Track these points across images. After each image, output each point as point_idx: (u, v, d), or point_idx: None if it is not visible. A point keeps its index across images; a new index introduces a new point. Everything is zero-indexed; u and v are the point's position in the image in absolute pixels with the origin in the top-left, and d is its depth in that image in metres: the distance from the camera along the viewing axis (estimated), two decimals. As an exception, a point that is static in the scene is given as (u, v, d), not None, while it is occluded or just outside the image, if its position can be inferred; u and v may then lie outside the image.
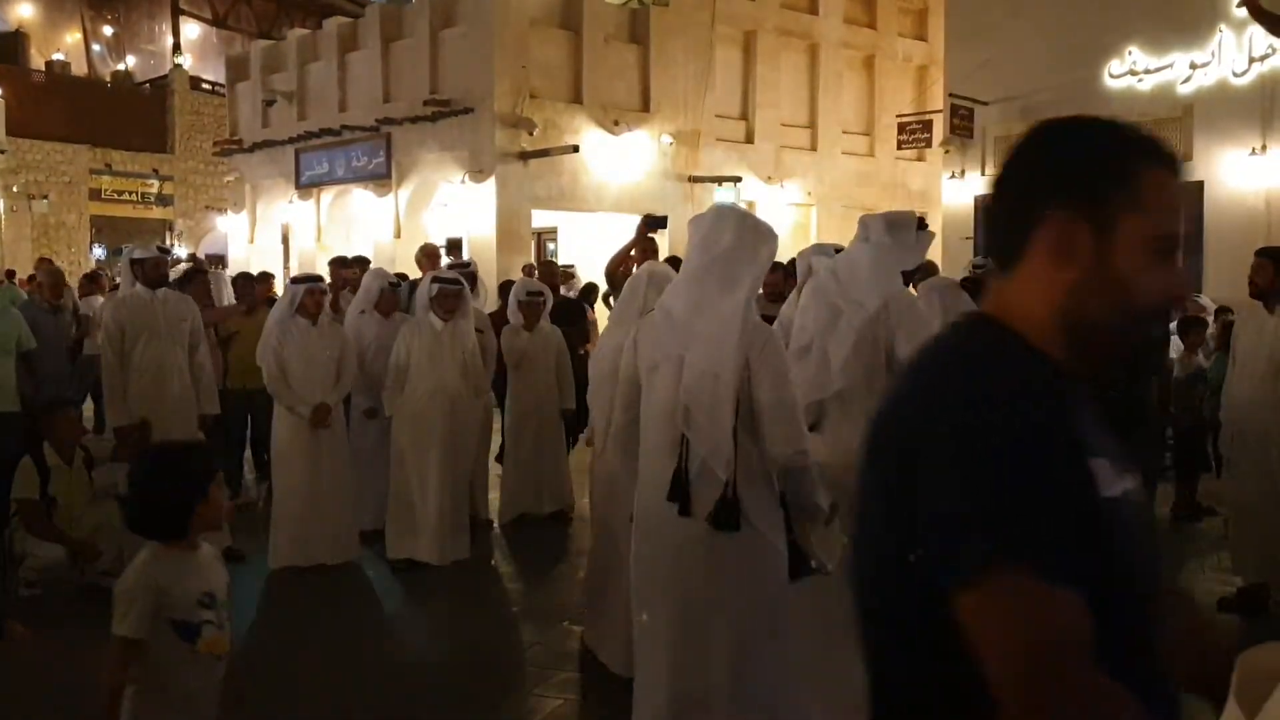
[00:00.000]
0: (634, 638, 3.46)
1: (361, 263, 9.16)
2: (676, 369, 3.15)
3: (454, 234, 15.65)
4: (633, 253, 6.93)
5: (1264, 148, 11.27)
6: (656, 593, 3.27)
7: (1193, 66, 11.68)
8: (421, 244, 9.90)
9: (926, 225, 4.18)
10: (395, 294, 7.30)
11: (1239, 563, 5.72)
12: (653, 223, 6.96)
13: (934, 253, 3.40)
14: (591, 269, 14.30)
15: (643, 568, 3.33)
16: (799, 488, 3.18)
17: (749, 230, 3.20)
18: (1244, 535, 5.69)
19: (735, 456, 3.07)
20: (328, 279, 7.76)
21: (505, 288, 7.83)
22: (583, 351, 8.09)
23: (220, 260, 22.89)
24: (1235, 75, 11.40)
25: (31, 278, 11.92)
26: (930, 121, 15.44)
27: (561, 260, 16.74)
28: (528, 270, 9.13)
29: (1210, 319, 8.80)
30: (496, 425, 7.79)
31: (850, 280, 3.87)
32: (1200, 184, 11.79)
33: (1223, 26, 11.47)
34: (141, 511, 2.82)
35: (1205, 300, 10.35)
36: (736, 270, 3.14)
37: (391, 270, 8.54)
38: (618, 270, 7.10)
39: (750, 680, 3.17)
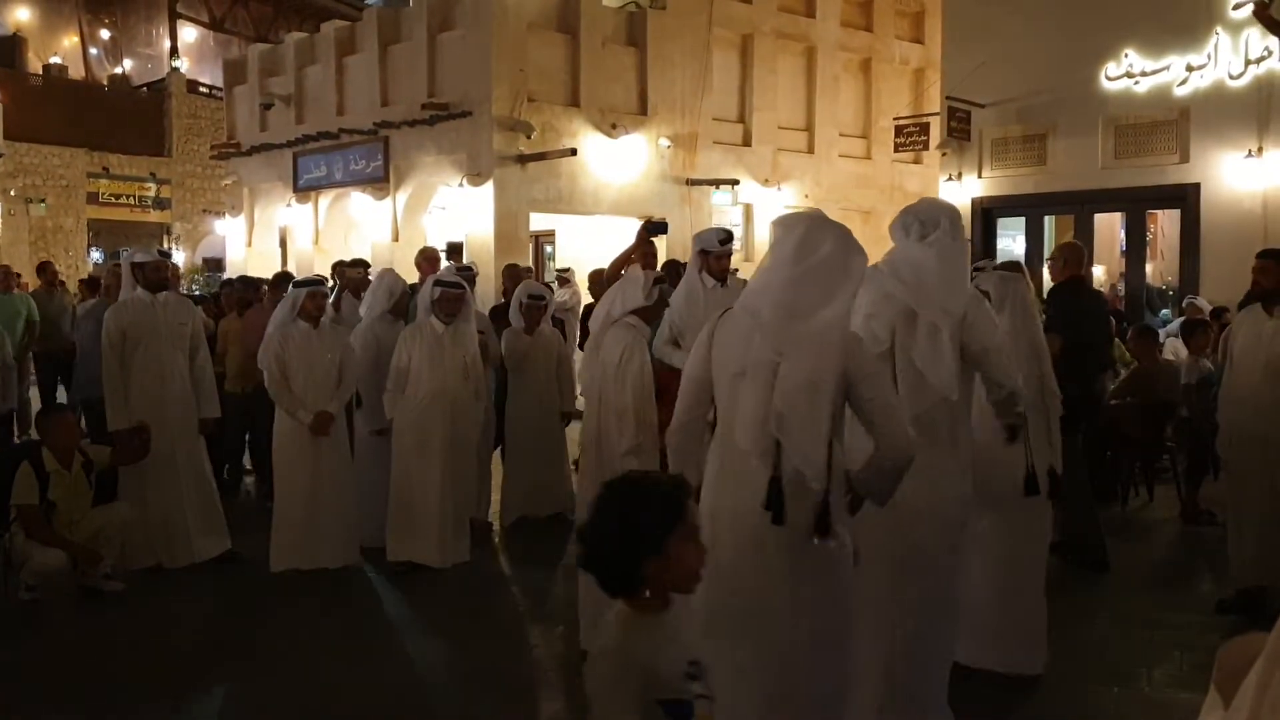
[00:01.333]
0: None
1: (362, 265, 9.15)
2: (769, 375, 3.08)
3: (453, 237, 15.66)
4: (633, 257, 6.97)
5: (1260, 150, 11.29)
6: (734, 604, 3.17)
7: (1189, 69, 11.70)
8: (421, 247, 9.90)
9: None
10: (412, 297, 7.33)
11: (1237, 565, 5.73)
12: (653, 228, 6.99)
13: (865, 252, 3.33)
14: (587, 271, 14.32)
15: (719, 576, 3.18)
16: (888, 483, 3.22)
17: (844, 241, 3.16)
18: (1242, 537, 5.70)
19: (829, 466, 3.06)
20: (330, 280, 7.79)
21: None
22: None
23: (219, 264, 22.91)
24: (1231, 78, 11.42)
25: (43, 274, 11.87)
26: (927, 124, 15.46)
27: (558, 264, 16.78)
28: (508, 274, 9.12)
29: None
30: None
31: (921, 284, 3.72)
32: (1197, 186, 11.83)
33: (1219, 29, 11.49)
34: (599, 561, 2.20)
35: (1202, 302, 10.39)
36: (834, 280, 3.10)
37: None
38: (617, 274, 7.13)
39: (818, 684, 3.20)
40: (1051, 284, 6.83)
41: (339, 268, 9.19)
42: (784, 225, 3.25)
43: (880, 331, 3.70)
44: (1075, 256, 6.71)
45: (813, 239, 3.13)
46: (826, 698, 3.26)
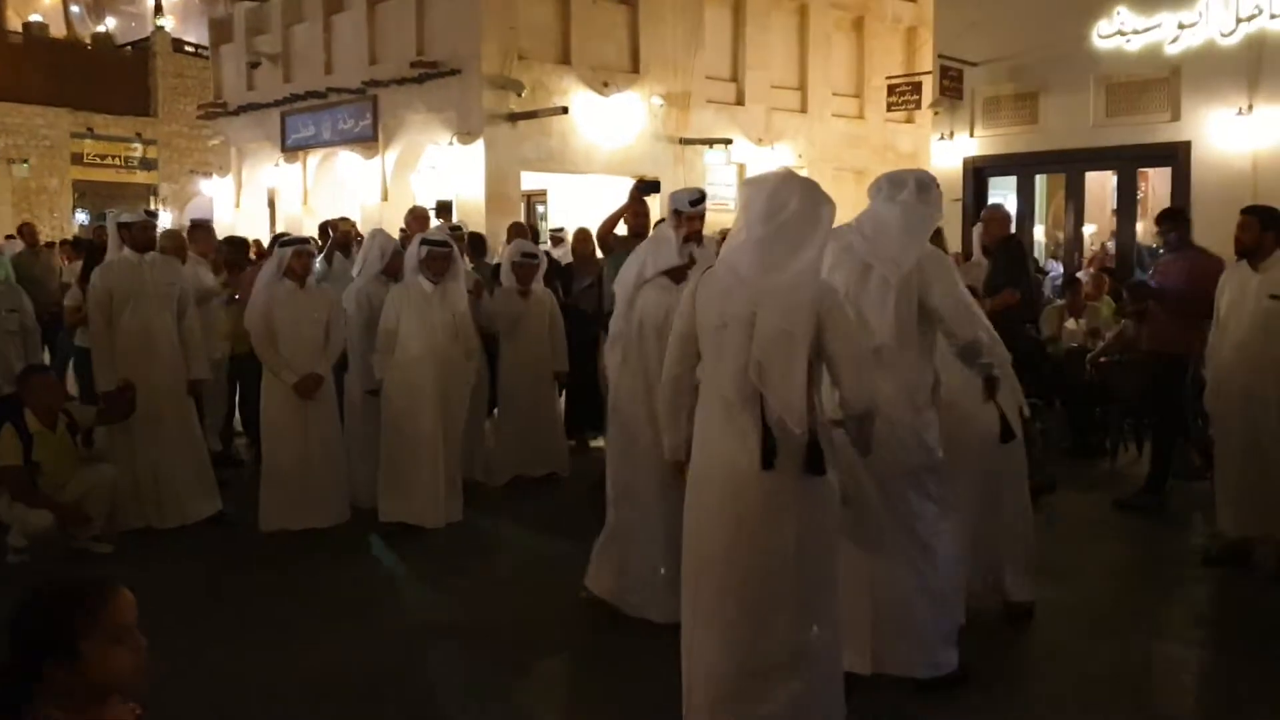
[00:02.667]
0: (686, 599, 3.54)
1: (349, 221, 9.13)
2: (748, 327, 3.24)
3: (442, 197, 15.58)
4: (625, 218, 6.94)
5: (1250, 108, 11.25)
6: (719, 548, 3.36)
7: (1180, 27, 11.63)
8: (410, 206, 9.85)
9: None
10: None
11: (1223, 518, 5.79)
12: (645, 188, 6.95)
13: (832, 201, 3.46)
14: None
15: (705, 520, 3.42)
16: (864, 431, 3.43)
17: (810, 194, 3.31)
18: (1228, 491, 5.75)
19: (809, 409, 3.23)
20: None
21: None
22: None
23: (206, 225, 22.74)
24: (1223, 35, 11.36)
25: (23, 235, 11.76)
26: (919, 83, 15.36)
27: (551, 224, 16.72)
28: (513, 233, 9.08)
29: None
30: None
31: (880, 239, 3.96)
32: (1188, 144, 11.79)
33: (1211, -14, 11.43)
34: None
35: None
36: (804, 233, 3.26)
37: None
38: (609, 234, 7.10)
39: (813, 635, 3.35)
40: (986, 244, 7.39)
41: (328, 225, 9.17)
42: (754, 185, 3.43)
43: (838, 282, 3.88)
44: (1004, 217, 7.51)
45: (780, 196, 3.30)
46: (821, 641, 3.39)
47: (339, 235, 8.36)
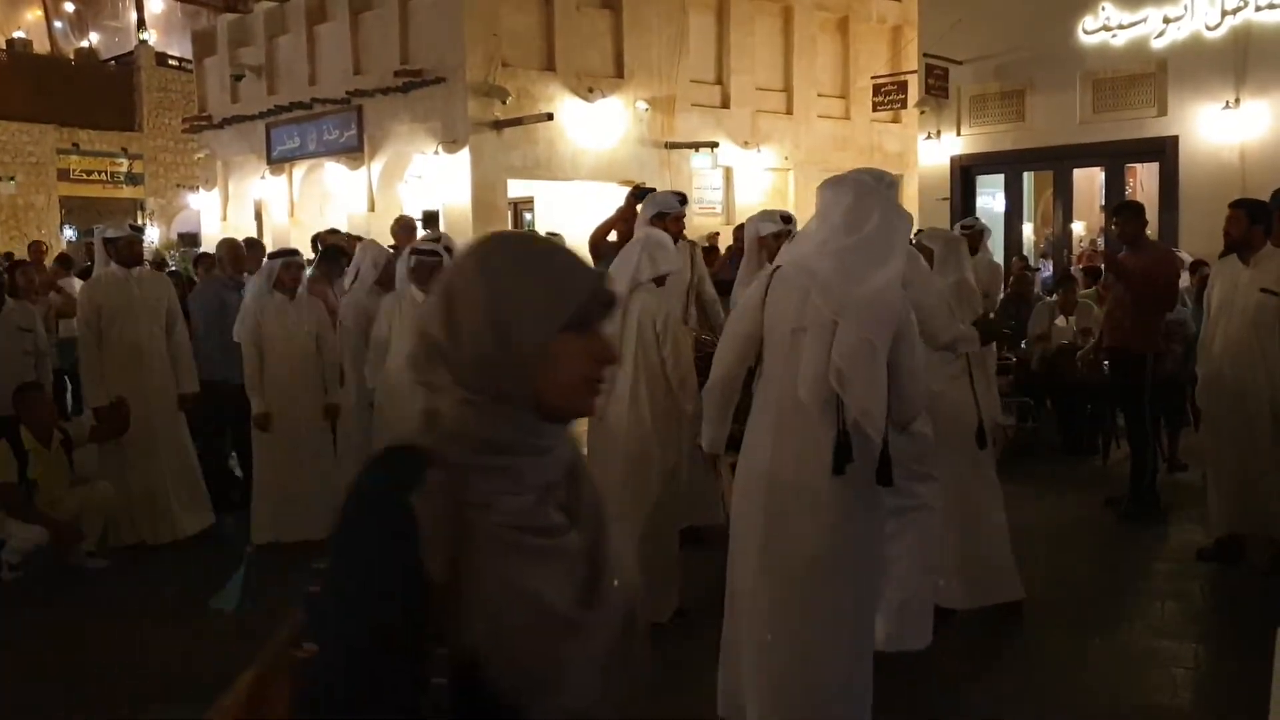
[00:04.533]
0: (732, 605, 3.57)
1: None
2: (828, 334, 3.24)
3: (429, 206, 15.55)
4: (619, 225, 6.92)
5: (1237, 101, 11.28)
6: (777, 556, 3.36)
7: (1166, 21, 11.66)
8: (396, 216, 9.81)
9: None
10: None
11: (1216, 514, 5.78)
12: (642, 194, 6.95)
13: (909, 214, 3.50)
14: (570, 236, 14.23)
15: (762, 523, 3.41)
16: (905, 445, 3.49)
17: (889, 210, 3.34)
18: (1221, 487, 5.75)
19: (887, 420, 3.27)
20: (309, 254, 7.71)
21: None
22: None
23: (194, 239, 22.68)
24: (1208, 29, 11.39)
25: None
26: (905, 83, 15.38)
27: (544, 229, 16.68)
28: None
29: (1186, 272, 8.84)
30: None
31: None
32: (1175, 139, 11.82)
33: (1195, -20, 11.47)
34: None
35: (1183, 255, 10.42)
36: (887, 247, 3.29)
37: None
38: (601, 241, 7.08)
39: (856, 628, 3.38)
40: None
41: (317, 238, 9.12)
42: (834, 192, 3.42)
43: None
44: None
45: (862, 209, 3.31)
46: (868, 643, 3.43)
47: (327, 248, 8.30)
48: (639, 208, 6.11)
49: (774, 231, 5.59)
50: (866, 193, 3.35)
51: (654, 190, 7.00)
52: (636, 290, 4.83)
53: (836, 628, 3.34)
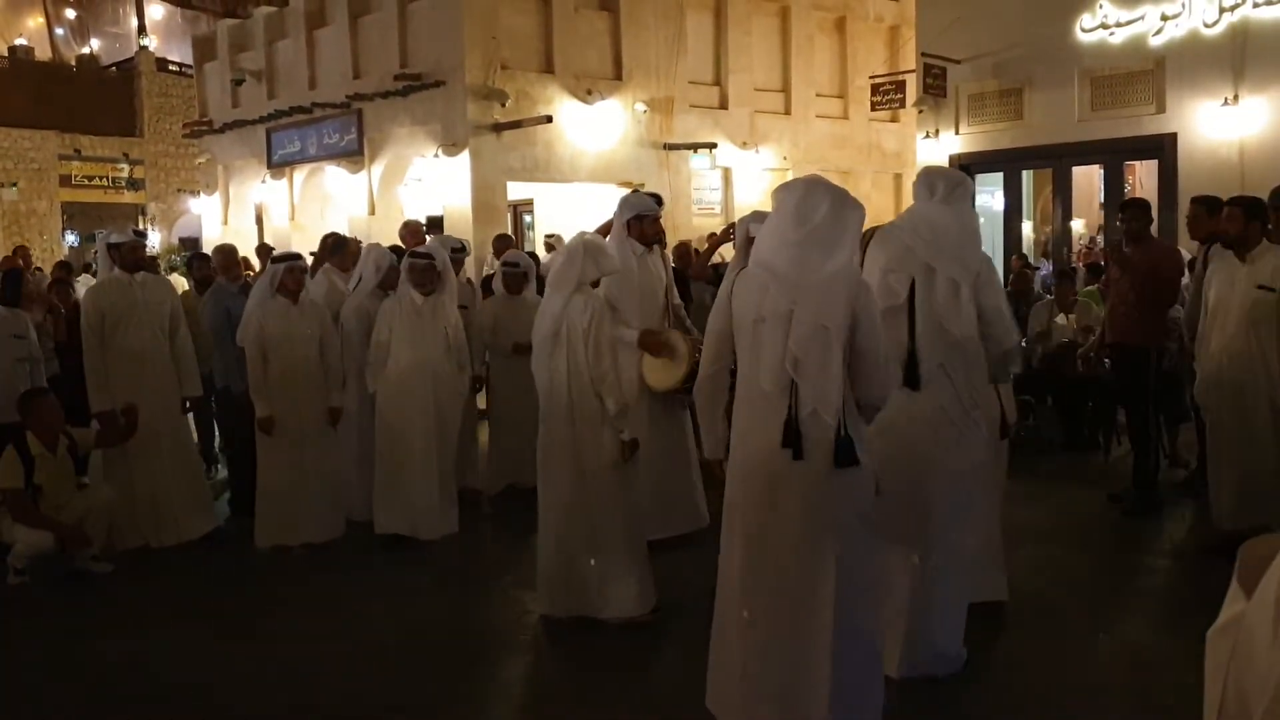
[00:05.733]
0: (723, 594, 3.64)
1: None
2: (785, 323, 3.36)
3: (430, 209, 15.56)
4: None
5: (1236, 98, 11.30)
6: (755, 546, 3.46)
7: (1164, 18, 11.68)
8: (404, 220, 9.85)
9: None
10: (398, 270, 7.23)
11: (1217, 510, 5.80)
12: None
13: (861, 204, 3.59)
14: (568, 238, 14.22)
15: (747, 511, 3.51)
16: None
17: (839, 201, 3.43)
18: (1221, 483, 5.77)
19: (843, 401, 3.35)
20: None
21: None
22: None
23: (195, 243, 22.71)
24: (1206, 26, 11.41)
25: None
26: (903, 82, 15.39)
27: (539, 232, 16.71)
28: (497, 245, 9.07)
29: (1185, 270, 8.85)
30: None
31: (942, 241, 4.09)
32: (1174, 136, 11.84)
33: (1192, -23, 11.49)
34: None
35: (1183, 252, 10.42)
36: (836, 235, 3.39)
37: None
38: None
39: (848, 618, 3.39)
40: None
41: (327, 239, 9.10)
42: (784, 191, 3.56)
43: (899, 285, 4.07)
44: None
45: (810, 203, 3.41)
46: (861, 632, 3.45)
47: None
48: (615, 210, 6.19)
49: None
50: (814, 187, 3.47)
51: (657, 196, 7.03)
52: (579, 290, 4.88)
53: (813, 613, 3.37)
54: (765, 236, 3.57)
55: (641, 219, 5.78)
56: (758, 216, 5.91)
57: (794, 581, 3.40)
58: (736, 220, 6.10)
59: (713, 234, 6.91)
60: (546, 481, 5.06)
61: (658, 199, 5.79)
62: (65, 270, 11.09)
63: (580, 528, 4.90)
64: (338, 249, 7.67)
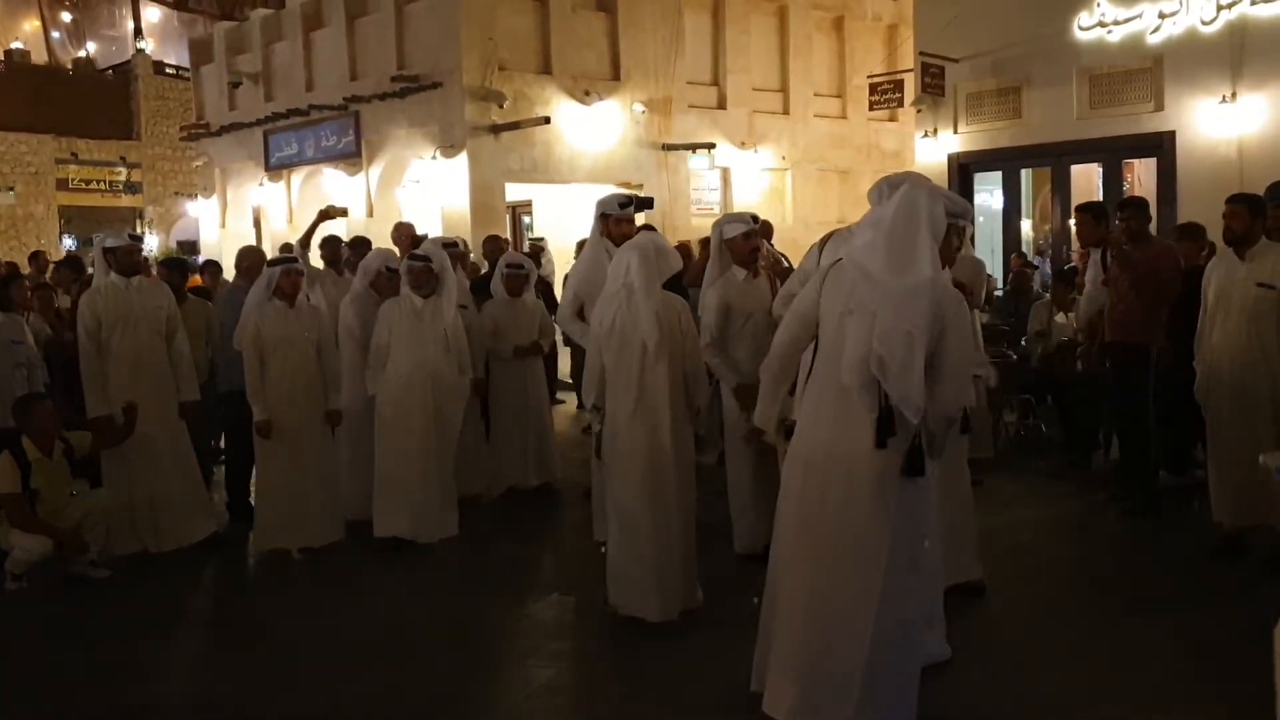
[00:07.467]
0: (774, 579, 3.74)
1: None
2: (870, 320, 3.42)
3: (428, 210, 15.52)
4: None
5: (1234, 95, 11.28)
6: (809, 536, 3.55)
7: (1161, 16, 11.67)
8: (396, 223, 9.82)
9: None
10: (395, 276, 7.16)
11: (1219, 506, 5.78)
12: (640, 203, 6.98)
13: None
14: (567, 239, 14.24)
15: (798, 508, 3.59)
16: (945, 435, 3.62)
17: (936, 214, 3.52)
18: (1222, 482, 5.75)
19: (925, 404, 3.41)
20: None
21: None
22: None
23: (193, 247, 22.69)
24: (1204, 24, 11.39)
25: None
26: (901, 81, 15.38)
27: (534, 234, 16.70)
28: (488, 246, 9.05)
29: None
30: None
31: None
32: (1172, 134, 11.82)
33: (1190, -25, 11.48)
34: None
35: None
36: (911, 237, 3.46)
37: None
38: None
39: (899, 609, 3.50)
40: None
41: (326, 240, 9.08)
42: (882, 191, 3.73)
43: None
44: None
45: (907, 214, 3.49)
46: (905, 624, 3.55)
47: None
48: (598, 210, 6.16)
49: (743, 232, 5.65)
50: (911, 200, 3.53)
51: (651, 199, 7.04)
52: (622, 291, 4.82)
53: (862, 605, 3.46)
54: (860, 233, 3.68)
55: (607, 218, 5.75)
56: (733, 218, 5.89)
57: (844, 570, 3.48)
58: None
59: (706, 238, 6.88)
60: (649, 494, 4.80)
61: (649, 201, 5.74)
62: (74, 268, 10.78)
63: (677, 524, 4.84)
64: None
